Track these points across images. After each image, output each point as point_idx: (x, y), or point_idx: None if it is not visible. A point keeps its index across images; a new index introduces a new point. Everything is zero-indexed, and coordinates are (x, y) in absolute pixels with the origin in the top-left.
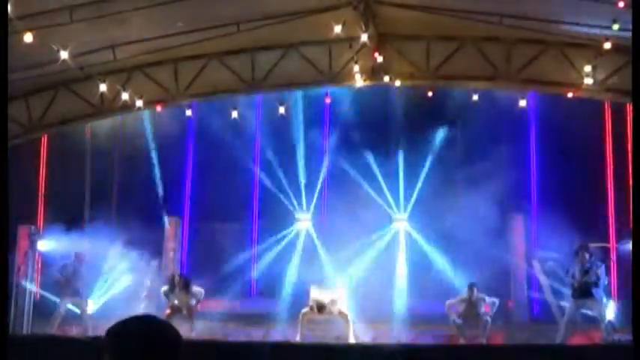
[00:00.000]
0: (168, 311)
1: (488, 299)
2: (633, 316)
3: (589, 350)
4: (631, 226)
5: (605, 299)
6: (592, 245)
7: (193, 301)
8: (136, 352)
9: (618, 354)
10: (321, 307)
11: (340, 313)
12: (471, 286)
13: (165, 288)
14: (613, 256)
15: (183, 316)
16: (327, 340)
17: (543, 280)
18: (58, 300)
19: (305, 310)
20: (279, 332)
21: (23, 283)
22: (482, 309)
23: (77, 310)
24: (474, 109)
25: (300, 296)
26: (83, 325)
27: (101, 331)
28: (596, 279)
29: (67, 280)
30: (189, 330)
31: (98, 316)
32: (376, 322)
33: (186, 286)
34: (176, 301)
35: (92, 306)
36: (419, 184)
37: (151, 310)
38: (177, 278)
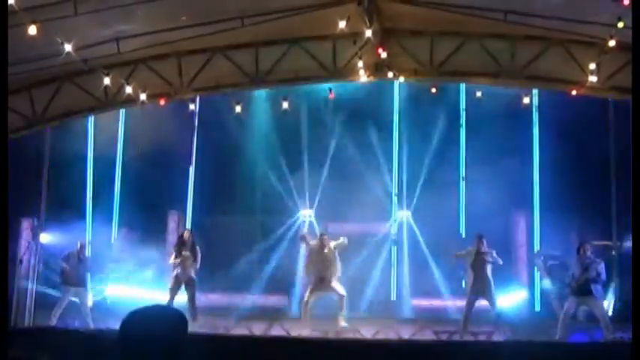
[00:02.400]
0: (169, 289)
1: (494, 255)
2: (633, 316)
3: (590, 347)
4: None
5: (605, 297)
6: (595, 243)
7: (192, 269)
8: (148, 339)
9: (619, 352)
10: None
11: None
12: (479, 237)
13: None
14: (615, 254)
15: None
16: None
17: (545, 277)
18: (60, 290)
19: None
20: (281, 327)
21: (25, 275)
22: (489, 265)
23: (77, 301)
24: (477, 105)
25: (303, 290)
26: (83, 316)
27: (103, 324)
28: (596, 275)
29: (72, 269)
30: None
31: (100, 309)
32: (377, 318)
33: (193, 245)
34: (184, 256)
35: (92, 299)
36: (421, 181)
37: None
38: (186, 234)
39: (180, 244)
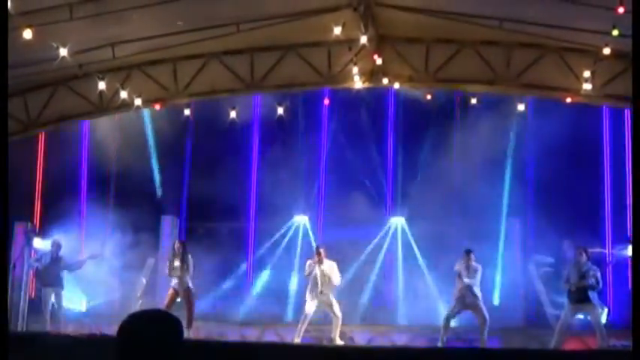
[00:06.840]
0: (166, 301)
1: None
2: (633, 318)
3: (584, 356)
4: (628, 231)
5: (600, 304)
6: (589, 250)
7: (188, 278)
8: (146, 346)
9: (613, 359)
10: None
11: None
12: (467, 252)
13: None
14: (609, 262)
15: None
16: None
17: (539, 284)
18: (41, 292)
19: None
20: (275, 333)
21: (19, 280)
22: (478, 282)
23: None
24: (472, 112)
25: (296, 297)
26: (56, 318)
27: (96, 329)
28: (594, 282)
29: (46, 269)
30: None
31: (94, 314)
32: (371, 324)
33: (184, 255)
34: (175, 267)
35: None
36: (416, 186)
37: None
38: (176, 244)
39: (172, 255)
